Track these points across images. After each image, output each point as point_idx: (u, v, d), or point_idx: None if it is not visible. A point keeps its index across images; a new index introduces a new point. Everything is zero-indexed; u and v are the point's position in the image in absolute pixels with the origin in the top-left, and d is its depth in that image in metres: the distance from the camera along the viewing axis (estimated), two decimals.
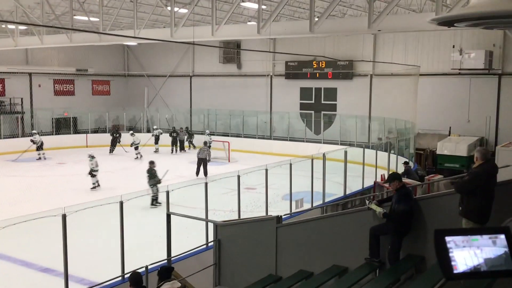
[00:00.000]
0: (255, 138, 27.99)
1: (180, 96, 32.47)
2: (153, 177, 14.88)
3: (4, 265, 9.99)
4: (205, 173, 19.30)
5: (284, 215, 8.97)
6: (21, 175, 20.08)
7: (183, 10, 18.30)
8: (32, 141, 23.54)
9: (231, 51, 29.84)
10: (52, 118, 29.41)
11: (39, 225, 7.55)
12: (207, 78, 31.41)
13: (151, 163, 15.16)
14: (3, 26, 20.22)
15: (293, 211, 11.95)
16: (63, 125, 29.25)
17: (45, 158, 23.45)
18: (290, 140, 26.95)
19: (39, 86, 29.94)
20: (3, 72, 27.74)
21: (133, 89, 34.28)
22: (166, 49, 31.42)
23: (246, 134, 28.45)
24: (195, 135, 27.64)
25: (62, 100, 30.89)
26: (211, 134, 26.38)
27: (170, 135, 26.57)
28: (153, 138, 26.71)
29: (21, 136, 27.59)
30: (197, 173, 19.41)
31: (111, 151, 25.56)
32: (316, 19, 13.93)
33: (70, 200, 13.08)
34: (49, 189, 17.39)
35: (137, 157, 24.17)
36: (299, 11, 21.10)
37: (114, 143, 25.79)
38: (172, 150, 26.33)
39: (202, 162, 19.55)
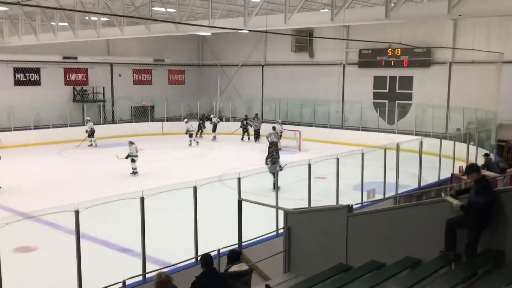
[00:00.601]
0: (326, 127, 27.75)
1: (252, 85, 32.76)
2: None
3: (87, 244, 10.59)
4: (278, 157, 19.39)
5: (355, 204, 8.85)
6: (101, 159, 21.18)
7: None
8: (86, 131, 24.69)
9: (304, 40, 29.64)
10: (131, 107, 30.77)
11: (119, 207, 7.95)
12: (279, 67, 31.44)
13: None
14: (87, 17, 21.30)
15: (364, 201, 11.76)
16: (141, 113, 30.50)
17: (96, 145, 24.47)
18: (362, 130, 26.45)
19: (120, 75, 31.36)
20: (87, 62, 29.32)
21: (206, 79, 35.02)
22: (239, 39, 31.76)
23: (318, 123, 28.24)
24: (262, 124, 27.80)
25: (140, 89, 32.20)
26: (283, 123, 26.41)
27: (242, 123, 26.95)
28: (211, 126, 27.38)
29: (103, 123, 29.10)
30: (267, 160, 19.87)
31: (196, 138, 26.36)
32: (393, 4, 13.50)
33: (148, 184, 13.67)
34: (128, 174, 18.24)
35: (190, 144, 24.92)
36: None
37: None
38: (243, 138, 26.78)
39: (274, 145, 20.25)
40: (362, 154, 12.46)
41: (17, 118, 24.67)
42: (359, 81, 28.22)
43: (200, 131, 27.16)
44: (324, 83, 29.36)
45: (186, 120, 26.58)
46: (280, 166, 14.28)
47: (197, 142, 25.24)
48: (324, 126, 27.84)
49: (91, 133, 24.65)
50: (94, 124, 25.22)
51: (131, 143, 18.47)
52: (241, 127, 27.21)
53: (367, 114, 27.44)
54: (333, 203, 11.57)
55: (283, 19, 15.38)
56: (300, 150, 23.48)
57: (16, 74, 26.98)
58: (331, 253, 7.43)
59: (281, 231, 8.88)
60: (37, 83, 27.79)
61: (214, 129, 27.16)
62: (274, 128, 21.87)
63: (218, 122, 27.41)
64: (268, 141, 20.66)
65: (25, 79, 27.35)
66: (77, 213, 6.87)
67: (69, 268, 7.18)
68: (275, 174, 12.42)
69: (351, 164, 12.81)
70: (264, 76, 32.46)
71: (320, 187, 13.57)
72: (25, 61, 26.87)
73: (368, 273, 6.50)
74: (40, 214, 9.94)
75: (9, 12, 22.83)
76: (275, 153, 18.41)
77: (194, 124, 26.11)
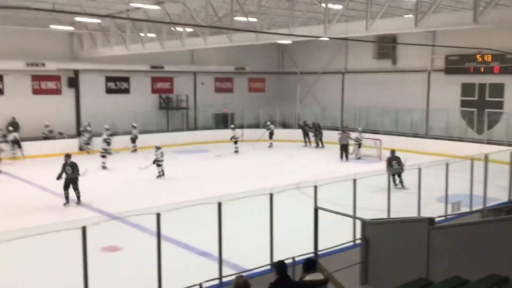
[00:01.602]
0: (409, 136, 26.82)
1: (331, 93, 32.45)
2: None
3: (168, 246, 11.00)
4: (347, 157, 23.11)
5: (438, 217, 8.47)
6: (183, 165, 21.91)
7: (338, 6, 18.24)
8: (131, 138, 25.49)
9: (386, 46, 28.92)
10: (213, 114, 31.61)
11: (198, 211, 8.17)
12: (359, 75, 30.91)
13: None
14: (172, 29, 22.20)
15: (448, 213, 11.22)
16: (221, 120, 31.22)
17: (135, 151, 25.19)
18: (448, 140, 25.29)
19: (202, 84, 32.35)
20: (172, 71, 30.55)
21: (286, 86, 35.17)
22: (319, 46, 31.62)
23: (400, 132, 27.39)
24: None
25: (221, 96, 33.01)
26: (363, 131, 25.90)
27: (301, 127, 27.66)
28: (267, 133, 27.61)
29: (186, 130, 30.12)
30: (341, 157, 23.15)
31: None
32: (481, 8, 12.83)
33: (226, 190, 13.95)
34: (208, 179, 18.73)
35: (236, 151, 25.27)
36: (462, 0, 19.61)
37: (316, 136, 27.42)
38: (305, 143, 27.41)
39: (344, 147, 23.14)
40: (447, 164, 11.91)
41: (109, 125, 26.11)
42: (445, 89, 27.02)
43: (316, 136, 27.45)
44: (407, 91, 28.44)
45: (233, 126, 26.94)
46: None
47: (237, 151, 25.39)
48: (407, 135, 26.94)
49: (134, 138, 25.48)
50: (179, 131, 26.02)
51: (158, 148, 19.21)
52: (312, 132, 27.60)
53: (454, 123, 26.21)
54: (414, 215, 11.14)
55: (365, 26, 15.11)
56: (380, 159, 22.85)
57: (108, 83, 28.68)
58: (411, 267, 7.16)
59: (358, 241, 8.69)
60: (126, 91, 29.36)
61: (270, 137, 27.63)
62: (343, 131, 24.32)
63: (274, 128, 28.03)
64: (340, 143, 23.25)
65: (116, 87, 28.99)
66: (158, 215, 7.14)
67: (151, 268, 7.46)
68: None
69: (435, 175, 12.29)
70: (345, 83, 32.04)
71: (401, 198, 13.15)
72: (116, 70, 28.49)
73: None
74: (125, 215, 10.50)
75: (102, 24, 24.37)
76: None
77: (238, 132, 26.41)
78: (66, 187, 14.82)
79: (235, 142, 25.55)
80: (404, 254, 7.34)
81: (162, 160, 19.03)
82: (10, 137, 23.32)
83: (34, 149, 23.12)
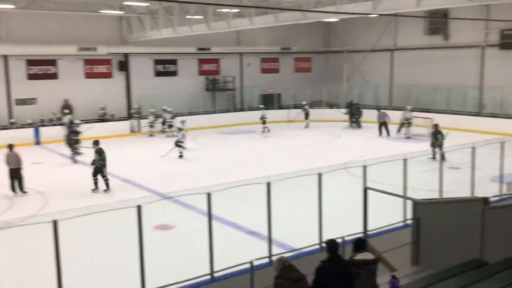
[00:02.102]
0: (461, 114, 25.98)
1: (380, 71, 31.76)
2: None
3: (218, 225, 11.23)
4: (388, 133, 23.88)
5: (493, 197, 8.24)
6: (231, 146, 22.15)
7: None
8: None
9: (438, 22, 27.93)
10: (259, 94, 31.67)
11: (248, 191, 8.29)
12: (409, 52, 30.05)
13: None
14: (218, 10, 22.27)
15: (504, 193, 10.88)
16: (268, 101, 31.25)
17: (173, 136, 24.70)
18: (503, 117, 24.34)
19: (248, 64, 32.38)
20: (219, 53, 30.72)
21: (333, 66, 34.69)
22: (367, 24, 30.91)
23: (452, 110, 26.56)
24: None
25: (267, 77, 32.95)
26: (413, 110, 25.29)
27: (346, 108, 27.36)
28: (303, 113, 27.40)
29: (233, 111, 30.35)
30: (380, 133, 24.01)
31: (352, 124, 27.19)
32: None
33: (273, 170, 14.05)
34: (256, 160, 18.89)
35: (264, 131, 25.22)
36: None
37: (352, 116, 27.07)
38: (351, 124, 27.04)
39: (383, 125, 23.89)
40: (502, 143, 11.51)
41: (156, 107, 26.67)
42: (500, 64, 25.90)
43: (353, 118, 27.17)
44: (459, 67, 27.45)
45: (262, 106, 26.96)
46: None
47: (268, 130, 25.28)
48: (459, 113, 26.10)
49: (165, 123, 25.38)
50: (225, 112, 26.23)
51: (180, 129, 19.59)
52: (347, 113, 27.20)
53: (509, 100, 25.16)
54: (467, 195, 10.87)
55: (415, 1, 14.66)
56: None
57: (156, 66, 29.20)
58: (464, 247, 7.03)
59: (409, 222, 8.60)
60: (174, 73, 29.81)
61: (306, 117, 27.44)
62: (380, 109, 25.00)
63: (310, 108, 27.91)
64: (378, 121, 24.06)
65: (164, 70, 29.48)
66: (209, 195, 7.30)
67: (202, 246, 7.67)
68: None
69: (489, 154, 11.92)
70: (394, 61, 31.25)
71: (453, 178, 12.83)
72: (164, 53, 28.95)
73: (505, 270, 6.04)
74: (177, 195, 10.78)
75: (150, 7, 24.73)
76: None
77: (267, 113, 26.17)
78: (94, 173, 14.53)
79: (264, 122, 25.61)
80: (457, 235, 7.21)
81: (183, 142, 19.44)
82: (66, 119, 24.23)
83: (87, 131, 23.85)
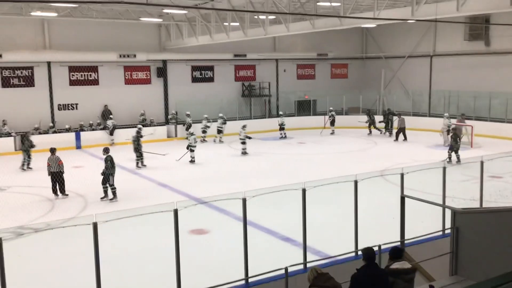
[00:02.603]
0: (503, 122, 25.24)
1: (418, 77, 31.22)
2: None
3: (252, 231, 11.27)
4: (405, 138, 24.23)
5: None
6: (266, 152, 22.19)
7: None
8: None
9: (478, 27, 27.28)
10: (294, 101, 31.64)
11: (283, 197, 8.28)
12: (449, 58, 29.44)
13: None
14: (255, 16, 22.41)
15: None
16: (303, 107, 31.17)
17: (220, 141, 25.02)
18: None
19: (284, 71, 32.42)
20: (255, 59, 30.89)
21: (370, 72, 34.33)
22: (405, 29, 30.49)
23: (493, 117, 25.84)
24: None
25: (303, 83, 32.90)
26: (451, 117, 24.76)
27: (384, 117, 26.49)
28: (329, 120, 27.42)
29: (268, 117, 30.42)
30: (396, 138, 24.45)
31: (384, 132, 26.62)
32: None
33: (310, 176, 13.99)
34: (291, 166, 18.85)
35: (282, 136, 25.58)
36: None
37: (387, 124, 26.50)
38: (385, 132, 26.42)
39: (402, 130, 24.17)
40: None
41: (194, 113, 26.98)
42: None
43: (387, 127, 26.56)
44: (502, 74, 26.69)
45: (281, 113, 27.02)
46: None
47: (285, 136, 25.69)
48: (501, 121, 25.36)
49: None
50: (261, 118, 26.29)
51: (191, 134, 20.06)
52: (383, 121, 26.43)
53: None
54: (509, 204, 10.54)
55: (456, 6, 14.36)
56: (472, 147, 21.78)
57: (193, 72, 29.59)
58: (505, 258, 6.81)
59: (447, 231, 8.40)
60: (211, 79, 30.14)
61: (332, 124, 27.24)
62: (399, 115, 25.07)
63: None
64: (399, 126, 24.36)
65: (201, 76, 29.85)
66: (244, 201, 7.33)
67: (236, 251, 7.70)
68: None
69: None
70: (433, 67, 30.67)
71: (494, 187, 12.50)
72: (201, 59, 29.32)
73: None
74: (212, 200, 10.87)
75: (188, 15, 25.12)
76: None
77: (285, 119, 26.42)
78: (103, 182, 14.21)
79: (282, 129, 25.79)
80: (497, 245, 7.00)
81: (195, 146, 19.64)
82: (109, 123, 24.92)
83: (127, 135, 24.25)
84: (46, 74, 25.12)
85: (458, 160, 17.59)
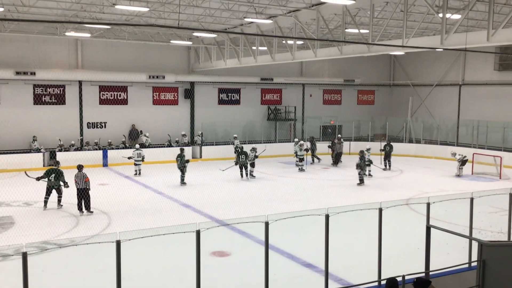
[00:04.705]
0: None
1: (446, 106, 30.89)
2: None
3: (273, 255, 11.18)
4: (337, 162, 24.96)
5: None
6: (290, 176, 22.11)
7: (456, 16, 17.44)
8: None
9: (509, 57, 26.96)
10: (320, 126, 31.60)
11: (305, 222, 8.22)
12: (478, 87, 29.09)
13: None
14: (283, 41, 22.65)
15: None
16: (329, 132, 31.08)
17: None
18: None
19: (310, 95, 32.52)
20: (281, 83, 31.08)
21: (396, 99, 34.14)
22: (433, 58, 30.34)
23: None
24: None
25: (329, 108, 32.90)
26: (481, 147, 24.32)
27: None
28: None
29: (292, 141, 30.36)
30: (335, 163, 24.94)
31: None
32: None
33: (333, 202, 13.87)
34: (315, 191, 18.72)
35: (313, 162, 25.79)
36: None
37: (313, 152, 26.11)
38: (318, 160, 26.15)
39: (339, 155, 24.87)
40: None
41: (219, 135, 27.23)
42: None
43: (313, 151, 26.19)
44: None
45: (296, 140, 25.68)
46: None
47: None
48: None
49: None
50: (286, 142, 26.21)
51: (136, 148, 21.95)
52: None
53: None
54: None
55: (486, 36, 14.24)
56: (500, 178, 21.31)
57: (220, 94, 29.92)
58: None
59: (474, 264, 8.19)
60: (237, 102, 30.41)
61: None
62: (339, 139, 25.72)
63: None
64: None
65: (227, 98, 30.16)
66: (267, 224, 7.31)
67: (258, 275, 7.64)
68: None
69: None
70: (462, 96, 30.32)
71: None
72: (228, 82, 29.64)
73: None
74: (234, 222, 10.86)
75: (217, 38, 25.54)
76: None
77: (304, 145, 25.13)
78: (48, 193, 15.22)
79: (313, 155, 25.96)
80: None
81: (140, 160, 21.51)
82: (144, 139, 25.53)
83: (153, 155, 24.51)
84: (77, 92, 25.75)
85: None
